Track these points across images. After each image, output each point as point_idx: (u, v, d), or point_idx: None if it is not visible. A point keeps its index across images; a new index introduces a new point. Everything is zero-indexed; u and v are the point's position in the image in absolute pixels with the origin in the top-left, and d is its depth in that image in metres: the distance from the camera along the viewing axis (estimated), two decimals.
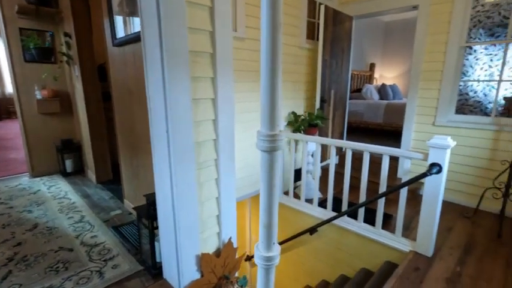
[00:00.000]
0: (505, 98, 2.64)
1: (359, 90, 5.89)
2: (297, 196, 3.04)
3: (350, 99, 5.48)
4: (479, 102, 2.75)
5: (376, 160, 2.24)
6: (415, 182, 1.96)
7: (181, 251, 1.35)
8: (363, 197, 2.38)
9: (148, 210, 1.51)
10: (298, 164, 3.28)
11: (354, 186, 2.60)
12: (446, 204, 2.80)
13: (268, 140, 1.00)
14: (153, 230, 1.51)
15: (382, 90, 5.70)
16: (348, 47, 3.60)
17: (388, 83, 6.53)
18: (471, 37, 2.68)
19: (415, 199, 2.94)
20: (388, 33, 6.96)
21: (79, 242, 1.98)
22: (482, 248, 2.13)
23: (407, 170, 2.13)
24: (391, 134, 4.71)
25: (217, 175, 1.43)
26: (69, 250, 1.89)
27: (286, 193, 3.15)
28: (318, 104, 3.19)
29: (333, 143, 2.53)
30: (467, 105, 2.82)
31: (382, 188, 2.24)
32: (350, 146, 2.39)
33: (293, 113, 3.12)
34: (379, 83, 6.72)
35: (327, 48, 3.17)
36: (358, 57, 6.30)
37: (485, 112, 2.72)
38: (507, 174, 2.26)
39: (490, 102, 2.69)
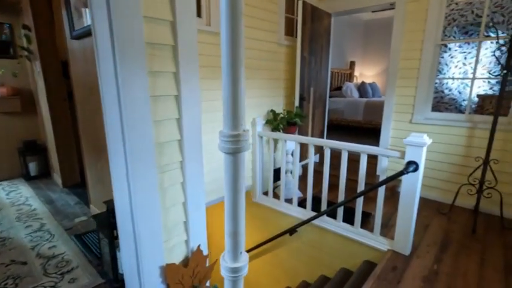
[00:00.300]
0: (478, 96, 2.68)
1: (339, 88, 5.91)
2: (276, 196, 2.97)
3: (331, 97, 5.48)
4: (454, 99, 2.79)
5: (355, 158, 2.21)
6: (394, 180, 1.93)
7: (142, 263, 1.23)
8: (341, 196, 2.34)
9: (108, 218, 1.38)
10: (278, 163, 3.21)
11: (334, 185, 2.57)
12: (423, 201, 2.82)
13: (230, 141, 0.90)
14: (113, 239, 1.37)
15: (362, 88, 5.74)
16: (327, 44, 3.56)
17: (367, 81, 6.61)
18: (446, 35, 2.70)
19: (393, 196, 2.94)
20: (368, 31, 7.04)
21: (35, 254, 1.79)
22: (458, 245, 2.15)
23: (384, 168, 2.10)
24: (371, 132, 4.75)
25: (183, 179, 1.31)
26: (22, 263, 1.71)
27: (265, 193, 3.07)
28: (297, 102, 3.13)
29: (311, 141, 2.47)
30: (442, 103, 2.85)
31: (361, 187, 2.20)
32: (328, 144, 2.34)
33: (272, 111, 3.04)
34: (360, 81, 6.79)
35: (306, 45, 3.11)
36: (338, 56, 6.33)
37: (459, 109, 2.76)
38: (481, 171, 2.29)
39: (464, 100, 2.73)
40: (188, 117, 1.26)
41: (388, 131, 3.07)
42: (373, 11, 6.55)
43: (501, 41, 2.34)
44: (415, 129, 2.87)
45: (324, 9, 3.32)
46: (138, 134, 1.09)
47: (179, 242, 1.36)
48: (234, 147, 0.92)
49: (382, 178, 2.06)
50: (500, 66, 2.50)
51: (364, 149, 2.13)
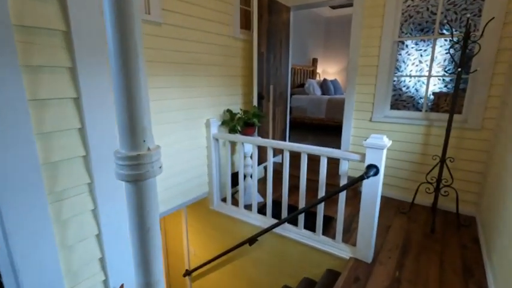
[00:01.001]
0: (433, 93, 2.68)
1: (302, 85, 5.83)
2: (236, 202, 2.75)
3: (294, 94, 5.37)
4: (412, 97, 2.76)
5: (317, 158, 2.06)
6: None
7: None
8: (302, 201, 2.18)
9: None
10: (237, 167, 2.99)
11: (295, 187, 2.41)
12: (384, 200, 2.78)
13: (128, 166, 0.63)
14: None
15: (324, 86, 5.71)
16: (287, 39, 3.39)
17: (330, 78, 6.62)
18: (403, 32, 2.66)
19: (356, 197, 2.87)
20: (329, 28, 7.05)
21: None
22: (418, 246, 2.10)
23: (345, 170, 1.97)
24: (334, 129, 4.71)
25: (94, 205, 1.02)
26: None
27: (224, 200, 2.84)
28: (255, 101, 2.91)
29: (269, 144, 2.28)
30: (401, 101, 2.82)
31: (322, 191, 2.06)
32: (287, 147, 2.17)
33: (228, 111, 2.80)
34: (323, 78, 6.79)
35: (263, 40, 2.90)
36: (300, 52, 6.24)
37: (417, 107, 2.74)
38: (438, 169, 2.27)
39: (421, 98, 2.72)
40: (96, 126, 0.97)
41: (349, 129, 2.99)
42: (332, 7, 6.56)
43: (455, 39, 2.32)
44: (375, 128, 2.81)
45: (282, 2, 3.13)
46: (10, 153, 0.78)
47: (94, 284, 1.07)
48: (134, 174, 0.65)
49: (343, 180, 1.94)
50: (454, 64, 2.51)
51: (324, 152, 1.98)
